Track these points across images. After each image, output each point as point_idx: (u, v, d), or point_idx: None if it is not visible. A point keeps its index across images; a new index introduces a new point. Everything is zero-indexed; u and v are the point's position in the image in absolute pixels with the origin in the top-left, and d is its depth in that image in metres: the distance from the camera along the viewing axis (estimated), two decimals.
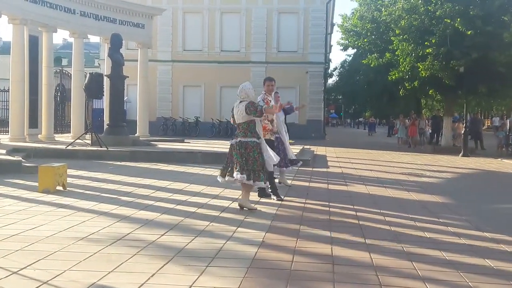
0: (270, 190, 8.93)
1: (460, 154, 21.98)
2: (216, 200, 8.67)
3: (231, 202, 8.52)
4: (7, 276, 4.46)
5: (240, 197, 7.99)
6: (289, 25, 35.44)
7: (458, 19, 22.49)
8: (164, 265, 4.91)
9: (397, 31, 25.94)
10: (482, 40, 22.57)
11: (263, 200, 8.81)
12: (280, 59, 35.18)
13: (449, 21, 22.93)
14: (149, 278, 4.49)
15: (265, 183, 7.89)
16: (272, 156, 7.96)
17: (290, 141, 21.29)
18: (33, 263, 4.86)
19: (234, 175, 7.65)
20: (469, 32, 22.39)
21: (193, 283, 4.40)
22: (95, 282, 4.35)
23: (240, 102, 7.79)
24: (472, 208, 8.99)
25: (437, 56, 23.86)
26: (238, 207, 7.85)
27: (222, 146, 19.70)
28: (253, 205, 7.97)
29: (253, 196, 8.68)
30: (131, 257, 5.15)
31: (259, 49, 35.40)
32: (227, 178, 7.87)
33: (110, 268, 4.76)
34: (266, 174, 7.91)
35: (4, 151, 14.08)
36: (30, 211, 7.38)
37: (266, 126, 9.09)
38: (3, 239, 5.74)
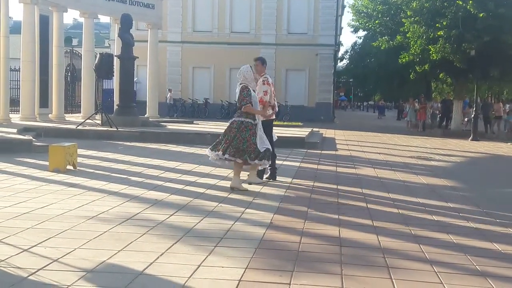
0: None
1: (470, 138, 21.88)
2: (225, 182, 8.69)
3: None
4: (18, 254, 4.52)
5: (232, 180, 8.14)
6: (300, 6, 35.19)
7: (470, 1, 22.25)
8: (173, 244, 4.95)
9: (408, 13, 25.72)
10: (494, 22, 22.33)
11: (271, 182, 8.82)
12: (290, 41, 35.00)
13: (461, 3, 22.68)
14: (158, 257, 4.54)
15: (252, 162, 7.93)
16: (264, 140, 8.11)
17: (299, 123, 21.26)
18: (44, 241, 4.92)
19: (218, 153, 7.92)
20: (481, 15, 22.16)
21: (202, 262, 4.45)
22: (104, 261, 4.40)
23: (240, 84, 8.13)
24: (480, 192, 8.99)
25: (449, 39, 23.65)
26: (230, 189, 7.96)
27: None
28: (244, 185, 8.13)
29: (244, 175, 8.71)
30: (141, 236, 5.19)
31: (269, 31, 35.22)
32: (214, 152, 8.03)
33: (120, 247, 4.80)
34: (267, 155, 7.99)
35: (15, 130, 14.20)
36: (40, 190, 7.45)
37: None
38: (14, 217, 5.81)
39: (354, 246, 5.17)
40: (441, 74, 30.52)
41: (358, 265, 4.57)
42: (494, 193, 9.07)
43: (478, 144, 20.17)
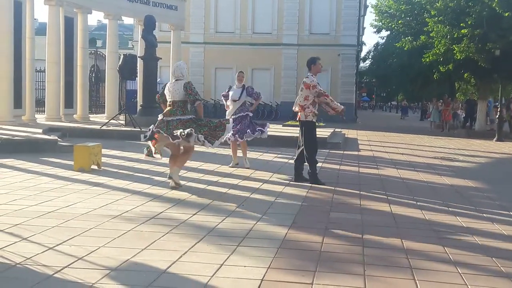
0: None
1: (494, 139, 21.60)
2: (247, 182, 8.72)
3: (262, 183, 8.58)
4: (43, 252, 4.58)
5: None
6: (322, 6, 35.06)
7: (496, 0, 21.97)
8: (196, 243, 4.98)
9: (432, 12, 25.49)
10: None
11: (293, 182, 8.83)
12: (312, 41, 34.89)
13: (487, 0, 22.38)
14: (181, 256, 4.57)
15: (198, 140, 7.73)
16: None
17: (321, 123, 20.99)
18: (69, 239, 4.98)
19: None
20: (506, 14, 21.84)
21: (224, 261, 4.46)
22: (128, 259, 4.45)
23: (176, 80, 8.09)
24: (505, 193, 8.86)
25: (473, 38, 23.38)
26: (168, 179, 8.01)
27: None
28: (180, 181, 8.06)
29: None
30: (164, 235, 5.23)
31: (291, 32, 35.17)
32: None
33: (143, 245, 4.85)
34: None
35: (40, 130, 14.39)
36: (65, 189, 7.55)
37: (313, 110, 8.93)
38: (40, 215, 5.89)
39: (377, 247, 5.15)
40: (465, 74, 30.18)
41: (381, 265, 4.55)
42: None
43: (503, 144, 19.90)
